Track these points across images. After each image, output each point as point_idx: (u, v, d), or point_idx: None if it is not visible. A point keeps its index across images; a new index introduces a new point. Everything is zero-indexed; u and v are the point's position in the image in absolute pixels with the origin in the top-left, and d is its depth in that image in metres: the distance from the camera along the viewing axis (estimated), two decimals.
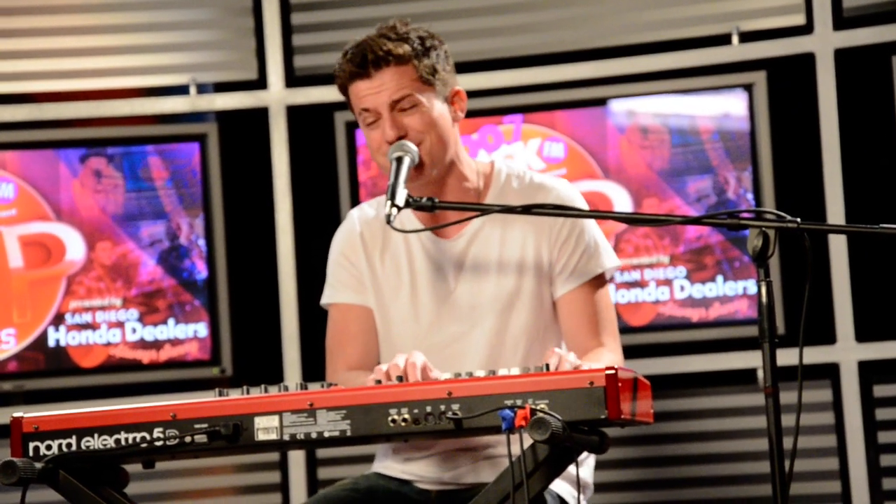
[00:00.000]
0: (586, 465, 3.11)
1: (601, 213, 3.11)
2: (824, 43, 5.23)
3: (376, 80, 3.04)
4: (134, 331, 5.39)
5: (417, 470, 3.10)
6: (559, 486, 3.01)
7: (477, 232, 3.12)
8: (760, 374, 4.16)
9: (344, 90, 3.11)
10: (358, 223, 3.20)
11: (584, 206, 3.15)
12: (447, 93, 3.11)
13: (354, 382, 2.95)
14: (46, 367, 5.37)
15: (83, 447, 2.66)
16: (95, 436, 2.66)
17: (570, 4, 5.42)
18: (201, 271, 5.42)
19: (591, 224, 3.14)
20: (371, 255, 3.17)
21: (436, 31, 3.15)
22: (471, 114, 3.50)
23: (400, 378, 2.67)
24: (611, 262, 3.14)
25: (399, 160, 2.98)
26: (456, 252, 3.11)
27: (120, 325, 5.39)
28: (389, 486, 3.10)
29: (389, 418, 2.55)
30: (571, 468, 2.67)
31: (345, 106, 3.18)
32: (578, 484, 2.58)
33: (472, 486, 3.03)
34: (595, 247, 3.12)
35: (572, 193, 3.15)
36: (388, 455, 3.15)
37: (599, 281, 3.12)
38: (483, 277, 3.09)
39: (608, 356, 3.02)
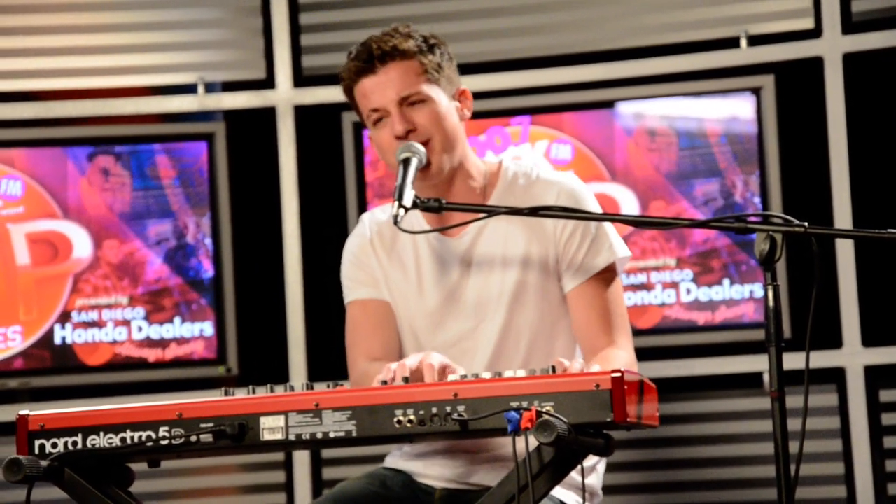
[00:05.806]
0: (595, 474, 3.10)
1: (607, 216, 3.09)
2: (833, 47, 5.22)
3: (382, 76, 3.04)
4: (140, 329, 5.40)
5: (423, 469, 3.10)
6: (565, 495, 3.00)
7: (481, 229, 3.11)
8: (766, 377, 4.15)
9: (350, 92, 3.10)
10: (368, 228, 3.20)
11: (591, 199, 3.12)
12: (453, 91, 3.10)
13: (374, 374, 2.92)
14: (52, 365, 5.37)
15: (89, 445, 2.66)
16: (101, 434, 2.66)
17: (577, 7, 5.42)
18: (208, 270, 5.42)
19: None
20: (381, 257, 3.17)
21: (443, 33, 3.15)
22: (478, 115, 3.49)
23: (406, 379, 2.66)
24: (619, 252, 3.09)
25: (406, 161, 2.97)
26: (461, 250, 3.11)
27: (126, 323, 5.39)
28: (401, 479, 3.10)
29: (395, 419, 2.54)
30: (577, 477, 2.65)
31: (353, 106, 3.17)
32: (584, 490, 2.57)
33: (477, 487, 3.03)
34: (602, 239, 3.08)
35: (577, 187, 3.11)
36: (397, 451, 3.16)
37: (609, 275, 3.08)
38: (489, 273, 3.09)
39: (619, 357, 2.99)
